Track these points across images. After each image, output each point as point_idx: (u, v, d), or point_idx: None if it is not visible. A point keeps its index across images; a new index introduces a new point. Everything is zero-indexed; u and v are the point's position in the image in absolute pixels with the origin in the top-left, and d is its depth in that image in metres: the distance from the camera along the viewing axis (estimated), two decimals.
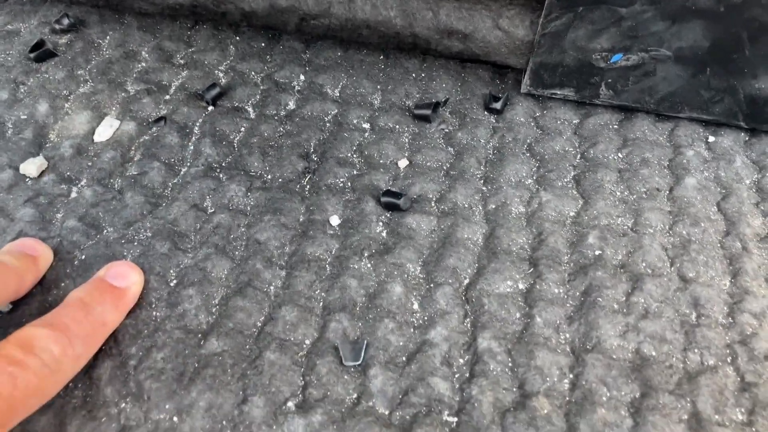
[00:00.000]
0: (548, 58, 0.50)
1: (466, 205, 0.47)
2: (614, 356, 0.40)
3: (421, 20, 0.51)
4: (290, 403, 0.38)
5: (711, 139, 0.51)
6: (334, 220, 0.46)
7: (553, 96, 0.52)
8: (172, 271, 0.43)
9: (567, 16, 0.47)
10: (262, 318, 0.41)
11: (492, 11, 0.49)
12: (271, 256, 0.44)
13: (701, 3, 0.44)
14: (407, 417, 0.37)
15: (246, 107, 0.52)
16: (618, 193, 0.48)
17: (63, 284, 0.42)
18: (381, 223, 0.46)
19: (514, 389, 0.39)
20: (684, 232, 0.46)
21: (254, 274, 0.43)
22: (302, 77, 0.54)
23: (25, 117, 0.50)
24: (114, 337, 0.39)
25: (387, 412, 0.38)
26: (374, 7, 0.51)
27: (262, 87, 0.53)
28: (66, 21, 0.54)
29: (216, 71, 0.54)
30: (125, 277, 0.41)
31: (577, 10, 0.46)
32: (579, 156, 0.50)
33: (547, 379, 0.39)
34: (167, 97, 0.52)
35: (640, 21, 0.46)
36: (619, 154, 0.50)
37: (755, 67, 0.47)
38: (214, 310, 0.41)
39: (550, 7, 0.46)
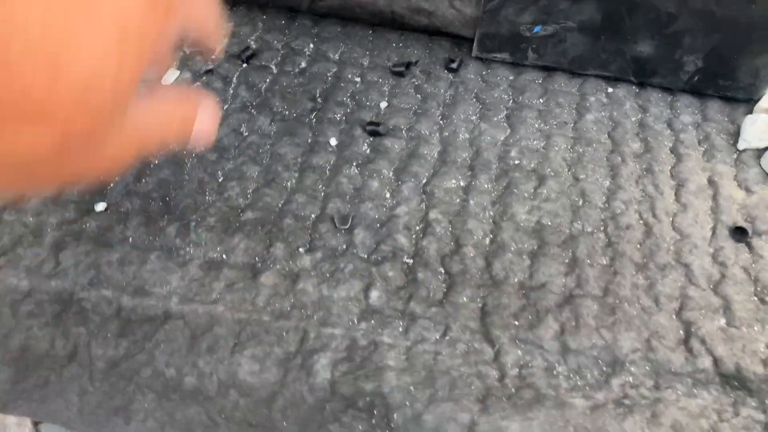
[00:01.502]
0: (489, 29, 0.69)
1: (427, 133, 0.66)
2: (522, 224, 0.59)
3: (398, 2, 0.70)
4: (301, 249, 0.57)
5: (609, 90, 0.70)
6: (333, 141, 0.65)
7: (494, 59, 0.71)
8: (219, 172, 0.62)
9: None
10: (282, 201, 0.60)
11: None
12: (287, 164, 0.63)
13: None
14: (379, 258, 0.56)
15: (270, 65, 0.71)
16: (536, 126, 0.67)
17: (143, 180, 0.61)
18: (366, 144, 0.65)
19: (451, 243, 0.57)
20: (580, 150, 0.65)
21: (276, 174, 0.62)
22: (311, 45, 0.73)
23: None
24: (179, 210, 0.58)
25: (366, 256, 0.57)
26: None
27: (282, 52, 0.72)
28: None
29: (248, 40, 0.73)
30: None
31: None
32: (511, 101, 0.69)
33: (474, 237, 0.58)
34: (212, 56, 0.71)
35: (551, 2, 0.65)
36: (541, 100, 0.69)
37: (635, 35, 0.66)
38: (249, 196, 0.60)
39: None
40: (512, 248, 0.57)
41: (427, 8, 0.70)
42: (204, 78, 0.70)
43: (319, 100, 0.68)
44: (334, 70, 0.71)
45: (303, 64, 0.72)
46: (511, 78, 0.71)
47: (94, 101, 0.26)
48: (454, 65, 0.71)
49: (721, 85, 0.68)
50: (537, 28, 0.68)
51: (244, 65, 0.71)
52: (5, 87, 0.23)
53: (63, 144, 0.26)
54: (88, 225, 0.57)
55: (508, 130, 0.66)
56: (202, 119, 0.39)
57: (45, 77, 0.23)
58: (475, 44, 0.71)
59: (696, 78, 0.68)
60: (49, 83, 0.24)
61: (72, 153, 0.27)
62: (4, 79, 0.22)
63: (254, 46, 0.73)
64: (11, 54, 0.22)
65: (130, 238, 0.56)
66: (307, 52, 0.73)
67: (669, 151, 0.65)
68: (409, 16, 0.71)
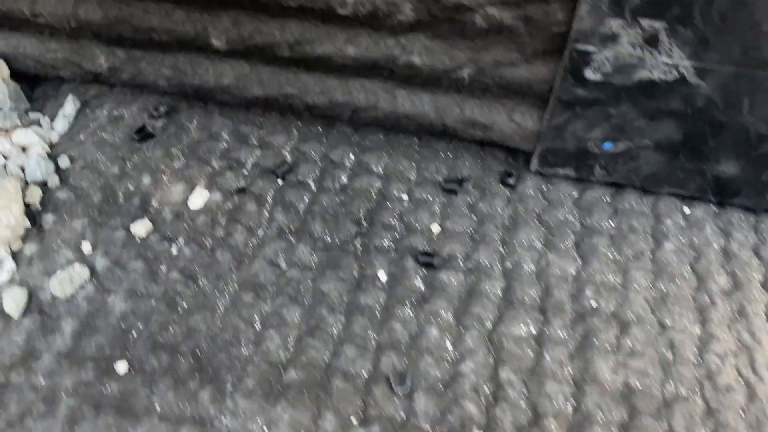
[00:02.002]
0: (552, 144, 0.62)
1: (488, 264, 0.59)
2: (607, 387, 0.51)
3: (450, 114, 0.63)
4: (353, 419, 0.49)
5: (686, 210, 0.63)
6: (382, 275, 0.58)
7: (557, 174, 0.64)
8: (256, 316, 0.54)
9: (567, 113, 0.59)
10: (329, 354, 0.52)
11: (507, 107, 0.62)
12: (332, 305, 0.55)
13: (673, 106, 0.57)
14: (445, 431, 0.49)
15: (308, 181, 0.64)
16: (610, 255, 0.60)
17: (170, 329, 0.53)
18: (419, 278, 0.58)
19: (529, 411, 0.50)
20: (663, 288, 0.57)
21: (320, 318, 0.54)
22: (352, 156, 0.66)
23: (133, 188, 0.62)
24: (213, 368, 0.51)
25: (429, 428, 0.49)
26: (412, 103, 0.63)
27: (320, 164, 0.65)
28: (162, 108, 0.67)
29: (283, 150, 0.66)
30: None
31: (575, 110, 0.59)
32: (578, 224, 0.62)
33: (554, 403, 0.50)
34: (245, 171, 0.64)
35: (625, 119, 0.58)
36: (611, 222, 0.62)
37: (718, 155, 0.59)
38: (290, 347, 0.53)
39: (553, 107, 0.59)
40: (599, 419, 0.49)
41: (483, 121, 0.63)
42: (236, 198, 0.63)
43: (363, 223, 0.61)
44: (379, 185, 0.64)
45: (344, 179, 0.65)
46: (575, 195, 0.64)
47: None
48: (511, 180, 0.64)
49: None
50: (607, 145, 0.61)
51: (279, 181, 0.64)
52: None
53: None
54: (109, 389, 0.50)
55: (579, 261, 0.59)
56: None
57: None
58: (535, 159, 0.64)
59: None
60: None
61: None
62: None
63: (290, 159, 0.66)
64: None
65: (158, 406, 0.49)
66: (348, 165, 0.66)
67: (760, 286, 0.58)
68: (463, 129, 0.64)
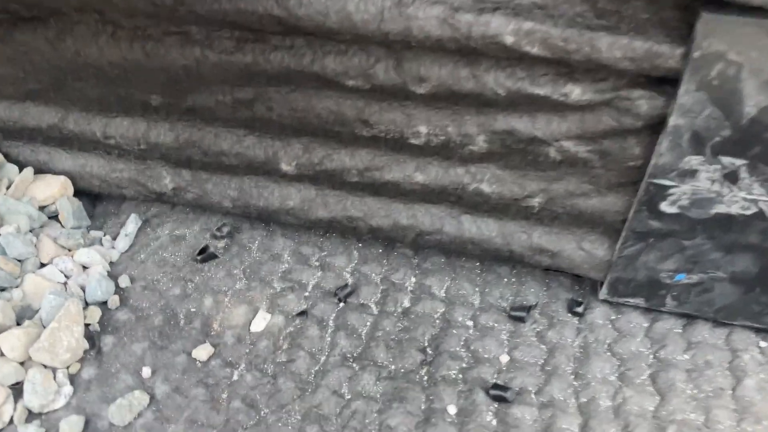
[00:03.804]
0: (623, 274, 0.61)
1: (562, 398, 0.56)
2: None
3: (517, 240, 0.62)
4: None
5: (762, 344, 0.61)
6: (451, 409, 0.55)
7: (626, 303, 0.63)
8: None
9: (640, 244, 0.58)
10: None
11: (576, 235, 0.61)
12: None
13: (750, 239, 0.56)
14: None
15: (369, 304, 0.63)
16: (688, 391, 0.57)
17: None
18: (491, 413, 0.55)
19: None
20: (749, 429, 0.54)
21: None
22: (413, 279, 0.65)
23: (194, 309, 0.61)
24: None
25: None
26: (478, 228, 0.63)
27: (381, 287, 0.64)
28: (225, 229, 0.67)
29: (344, 272, 0.65)
30: None
31: (648, 241, 0.58)
32: (652, 356, 0.60)
33: None
34: (306, 293, 0.63)
35: (700, 251, 0.57)
36: (686, 356, 0.60)
37: None
38: None
39: (626, 237, 0.58)
40: None
41: (552, 249, 0.62)
42: (297, 321, 0.61)
43: (428, 350, 0.59)
44: (442, 310, 0.63)
45: (406, 303, 0.63)
46: (645, 325, 0.62)
47: None
48: (579, 309, 0.63)
49: None
50: (680, 276, 0.60)
51: (341, 304, 0.63)
52: None
53: None
54: None
55: (657, 398, 0.56)
56: None
57: None
58: (604, 287, 0.62)
59: None
60: None
61: None
62: None
63: (351, 281, 0.65)
64: None
65: None
66: (410, 288, 0.65)
67: None
68: (530, 256, 0.63)
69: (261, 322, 0.60)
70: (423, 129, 0.58)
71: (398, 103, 0.57)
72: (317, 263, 0.66)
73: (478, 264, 0.67)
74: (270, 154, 0.63)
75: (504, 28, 0.49)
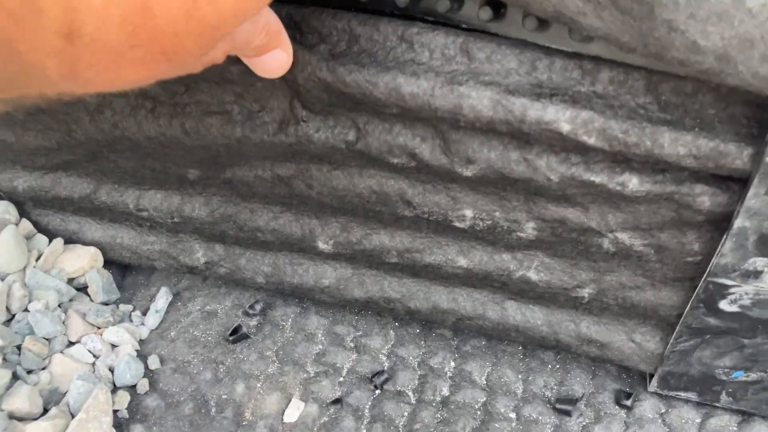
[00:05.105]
0: (675, 368, 0.57)
1: None
2: None
3: (564, 329, 0.59)
4: None
5: None
6: None
7: (677, 396, 0.59)
8: None
9: (695, 340, 0.55)
10: None
11: (627, 327, 0.58)
12: None
13: None
14: None
15: (407, 391, 0.60)
16: None
17: None
18: None
19: None
20: None
21: None
22: (452, 363, 0.62)
23: (226, 396, 0.59)
24: None
25: None
26: (523, 315, 0.60)
27: (419, 372, 0.62)
28: (258, 306, 0.65)
29: (380, 354, 0.63)
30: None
31: (705, 337, 0.55)
32: None
33: None
34: (341, 379, 0.61)
35: (760, 349, 0.54)
36: None
37: None
38: None
39: (681, 332, 0.55)
40: None
41: (601, 340, 0.59)
42: (331, 410, 0.58)
43: None
44: (483, 400, 0.60)
45: (445, 391, 0.60)
46: (698, 421, 0.59)
47: (218, 36, 0.31)
48: (627, 402, 0.60)
49: None
50: (737, 374, 0.56)
51: (377, 392, 0.60)
52: (145, 30, 0.27)
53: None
54: None
55: None
56: (275, 54, 0.43)
57: (181, 21, 0.27)
58: (654, 380, 0.59)
59: None
60: (184, 27, 0.28)
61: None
62: (145, 22, 0.26)
63: (387, 364, 0.62)
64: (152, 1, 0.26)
65: None
66: (449, 373, 0.62)
67: None
68: (577, 346, 0.60)
69: (294, 411, 0.58)
70: (468, 213, 0.55)
71: (443, 185, 0.55)
72: (352, 344, 0.64)
73: (520, 348, 0.65)
74: (307, 231, 0.61)
75: (560, 116, 0.46)
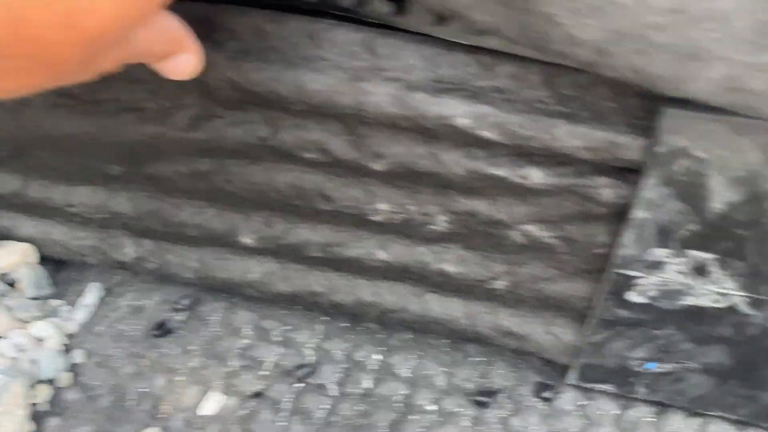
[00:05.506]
0: (591, 360, 0.58)
1: None
2: None
3: (483, 321, 0.60)
4: None
5: None
6: None
7: (596, 389, 0.60)
8: None
9: (608, 332, 0.56)
10: None
11: (544, 319, 0.59)
12: None
13: (723, 332, 0.53)
14: None
15: (329, 384, 0.61)
16: None
17: None
18: None
19: None
20: None
21: None
22: (378, 356, 0.63)
23: (145, 389, 0.59)
24: None
25: None
26: (443, 308, 0.61)
27: (343, 365, 0.62)
28: (185, 301, 0.65)
29: (305, 348, 0.63)
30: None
31: (617, 329, 0.55)
32: None
33: None
34: (263, 372, 0.61)
35: (671, 341, 0.55)
36: None
37: None
38: None
39: (594, 324, 0.56)
40: None
41: (519, 332, 0.60)
42: (252, 403, 0.59)
43: None
44: (405, 392, 0.60)
45: (368, 384, 0.61)
46: (616, 413, 0.60)
47: (102, 45, 0.30)
48: (547, 394, 0.60)
49: None
50: (651, 365, 0.57)
51: (299, 385, 0.60)
52: (21, 39, 0.26)
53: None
54: None
55: None
56: (180, 59, 0.43)
57: (59, 30, 0.27)
58: (573, 373, 0.60)
59: None
60: (63, 36, 0.27)
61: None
62: (20, 31, 0.26)
63: (313, 358, 0.62)
64: (27, 9, 0.25)
65: None
66: (373, 367, 0.62)
67: None
68: (496, 338, 0.61)
69: (212, 404, 0.58)
70: (383, 206, 0.56)
71: (358, 179, 0.55)
72: (279, 338, 0.64)
73: (446, 341, 0.65)
74: (230, 226, 0.61)
75: (459, 111, 0.47)
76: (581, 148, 0.47)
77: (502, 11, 0.41)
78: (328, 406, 0.59)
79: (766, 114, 0.40)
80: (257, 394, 0.60)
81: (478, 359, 0.64)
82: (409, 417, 0.59)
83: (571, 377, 0.60)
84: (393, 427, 0.58)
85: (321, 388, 0.61)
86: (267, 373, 0.61)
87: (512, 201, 0.53)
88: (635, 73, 0.40)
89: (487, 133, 0.47)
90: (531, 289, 0.58)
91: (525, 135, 0.47)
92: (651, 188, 0.47)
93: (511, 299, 0.59)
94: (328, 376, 0.62)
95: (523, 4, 0.40)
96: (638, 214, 0.48)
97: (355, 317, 0.66)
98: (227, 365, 0.62)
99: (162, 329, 0.63)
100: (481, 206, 0.54)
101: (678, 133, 0.44)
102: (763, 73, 0.38)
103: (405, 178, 0.54)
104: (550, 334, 0.59)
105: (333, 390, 0.61)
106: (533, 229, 0.54)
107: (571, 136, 0.46)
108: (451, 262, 0.58)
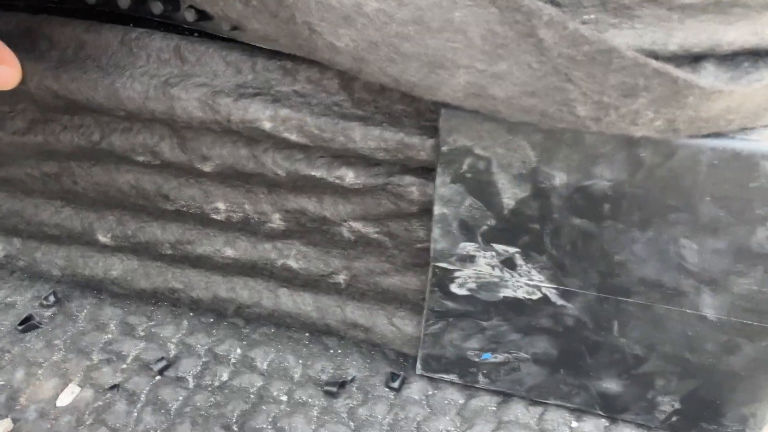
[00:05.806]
0: (432, 351, 0.60)
1: None
2: None
3: (332, 315, 0.62)
4: None
5: (574, 424, 0.60)
6: None
7: (442, 379, 0.62)
8: None
9: (441, 323, 0.58)
10: None
11: (387, 311, 0.61)
12: None
13: (543, 323, 0.55)
14: None
15: (187, 377, 0.63)
16: None
17: None
18: None
19: None
20: None
21: None
22: (239, 350, 0.65)
23: (3, 382, 0.61)
24: None
25: None
26: (294, 302, 0.63)
27: (203, 359, 0.64)
28: (52, 298, 0.67)
29: (168, 343, 0.65)
30: None
31: (448, 320, 0.57)
32: None
33: None
34: (124, 366, 0.63)
35: (499, 332, 0.57)
36: None
37: (598, 372, 0.57)
38: None
39: (427, 316, 0.58)
40: None
41: (365, 324, 0.62)
42: (107, 395, 0.61)
43: (234, 428, 0.59)
44: (260, 384, 0.63)
45: (225, 377, 0.63)
46: (461, 402, 0.62)
47: None
48: (395, 384, 0.62)
49: (705, 429, 0.58)
50: (485, 355, 0.59)
51: (157, 378, 0.63)
52: None
53: None
54: None
55: None
56: None
57: None
58: (418, 363, 0.62)
59: (674, 419, 0.58)
60: None
61: None
62: None
63: (174, 353, 0.65)
64: None
65: None
66: (233, 360, 0.64)
67: None
68: (345, 330, 0.63)
69: (68, 396, 0.60)
70: (221, 205, 0.58)
71: (194, 179, 0.57)
72: (143, 333, 0.66)
73: (306, 335, 0.67)
74: (86, 225, 0.63)
75: (261, 114, 0.49)
76: (377, 149, 0.49)
77: (272, 21, 0.43)
78: (183, 398, 0.61)
79: (512, 117, 0.42)
80: (114, 387, 0.62)
81: (335, 352, 0.66)
82: (261, 407, 0.61)
83: (419, 368, 0.63)
84: (243, 417, 0.60)
85: (179, 380, 0.63)
86: (126, 366, 0.64)
87: (337, 200, 0.55)
88: (392, 79, 0.42)
89: (290, 136, 0.49)
90: (369, 282, 0.60)
91: (325, 137, 0.49)
92: (445, 186, 0.49)
93: (355, 293, 0.61)
94: (188, 369, 0.64)
95: (288, 15, 0.42)
96: (439, 210, 0.50)
97: (220, 314, 0.68)
98: (89, 359, 0.64)
99: (27, 324, 0.65)
100: (309, 205, 0.56)
101: (458, 132, 0.46)
102: (501, 80, 0.39)
103: (236, 178, 0.56)
104: (393, 326, 0.61)
105: (190, 382, 0.63)
106: (359, 226, 0.56)
107: (367, 138, 0.48)
108: (293, 258, 0.60)
